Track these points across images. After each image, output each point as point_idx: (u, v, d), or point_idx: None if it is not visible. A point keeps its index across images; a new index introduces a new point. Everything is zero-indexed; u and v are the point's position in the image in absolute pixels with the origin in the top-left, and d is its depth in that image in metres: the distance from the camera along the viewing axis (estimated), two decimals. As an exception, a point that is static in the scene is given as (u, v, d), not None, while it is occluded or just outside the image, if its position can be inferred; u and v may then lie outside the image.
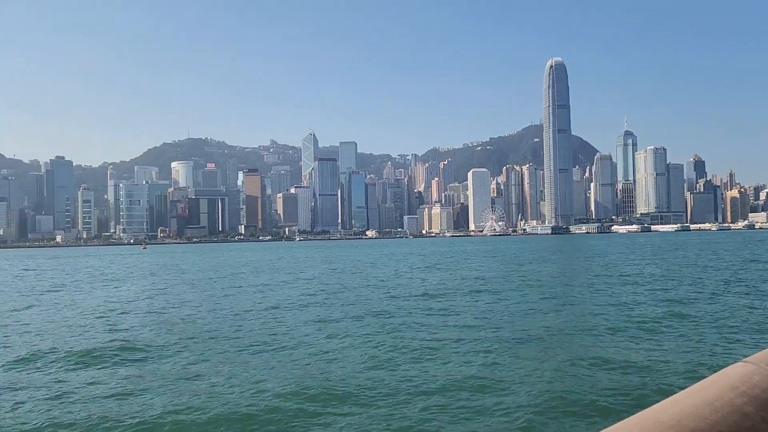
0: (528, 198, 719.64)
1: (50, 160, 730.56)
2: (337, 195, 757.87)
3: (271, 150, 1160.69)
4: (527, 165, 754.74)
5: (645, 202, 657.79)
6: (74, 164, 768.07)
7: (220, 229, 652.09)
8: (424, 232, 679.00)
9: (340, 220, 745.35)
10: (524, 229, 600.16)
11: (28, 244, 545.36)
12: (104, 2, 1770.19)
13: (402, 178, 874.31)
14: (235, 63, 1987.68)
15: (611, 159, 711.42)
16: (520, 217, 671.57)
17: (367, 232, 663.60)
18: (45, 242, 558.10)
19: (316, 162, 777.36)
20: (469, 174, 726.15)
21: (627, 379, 18.27)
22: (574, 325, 28.73)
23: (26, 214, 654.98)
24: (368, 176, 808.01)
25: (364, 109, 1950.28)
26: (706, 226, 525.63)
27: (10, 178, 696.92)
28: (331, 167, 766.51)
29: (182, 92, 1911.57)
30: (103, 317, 36.07)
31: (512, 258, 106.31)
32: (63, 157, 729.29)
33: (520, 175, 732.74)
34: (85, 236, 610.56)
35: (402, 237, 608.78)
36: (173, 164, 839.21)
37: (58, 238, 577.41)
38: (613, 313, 32.50)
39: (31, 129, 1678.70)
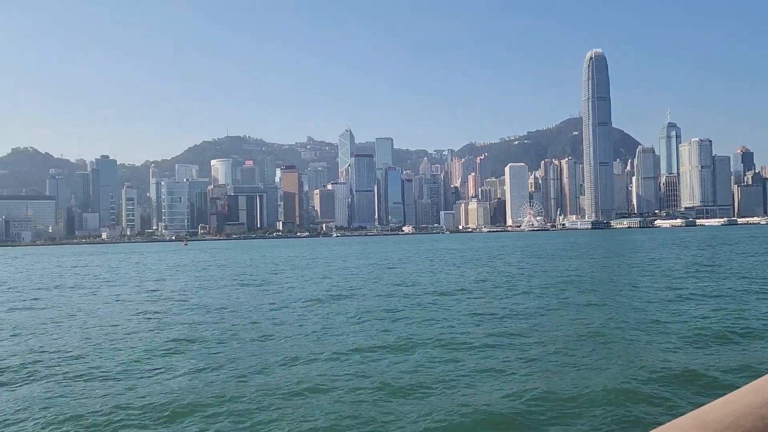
0: (567, 192, 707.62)
1: (95, 159, 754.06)
2: (373, 191, 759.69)
3: (308, 147, 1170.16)
4: (566, 159, 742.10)
5: (690, 195, 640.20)
6: (118, 163, 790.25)
7: (258, 226, 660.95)
8: (460, 227, 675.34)
9: (376, 216, 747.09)
10: (563, 224, 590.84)
11: (75, 240, 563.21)
12: (137, 2, 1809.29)
13: (438, 173, 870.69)
14: (272, 61, 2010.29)
15: (654, 152, 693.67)
16: (558, 212, 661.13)
17: (403, 228, 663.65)
18: (91, 239, 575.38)
19: (353, 158, 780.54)
20: (506, 169, 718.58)
21: (677, 379, 17.82)
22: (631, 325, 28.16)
23: (73, 212, 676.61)
24: (404, 172, 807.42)
25: (400, 105, 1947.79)
26: (755, 219, 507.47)
27: (58, 177, 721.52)
28: (368, 163, 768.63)
29: (221, 91, 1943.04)
30: (165, 310, 37.06)
31: (553, 253, 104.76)
32: (107, 157, 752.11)
33: (558, 169, 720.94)
34: (128, 233, 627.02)
35: (438, 232, 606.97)
36: (213, 162, 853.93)
37: (104, 235, 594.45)
38: (670, 313, 31.70)
39: (78, 130, 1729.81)
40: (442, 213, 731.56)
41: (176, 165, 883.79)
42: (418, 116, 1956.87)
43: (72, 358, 23.21)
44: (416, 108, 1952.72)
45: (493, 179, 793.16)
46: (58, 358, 23.40)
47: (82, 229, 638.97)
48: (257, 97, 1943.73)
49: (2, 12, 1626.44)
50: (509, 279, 54.24)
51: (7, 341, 27.90)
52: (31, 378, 20.21)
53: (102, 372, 20.76)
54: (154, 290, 53.74)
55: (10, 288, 61.85)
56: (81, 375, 20.39)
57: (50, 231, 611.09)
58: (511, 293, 42.18)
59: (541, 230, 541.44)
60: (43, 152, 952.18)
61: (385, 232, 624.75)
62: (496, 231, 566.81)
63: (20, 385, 19.31)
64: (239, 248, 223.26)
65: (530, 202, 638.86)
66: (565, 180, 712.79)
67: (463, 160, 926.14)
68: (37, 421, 15.63)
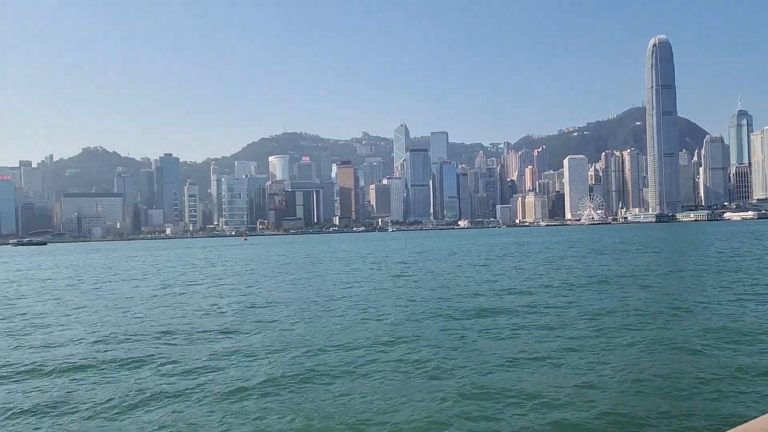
0: (629, 185, 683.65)
1: (159, 157, 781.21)
2: (428, 185, 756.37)
3: (363, 142, 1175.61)
4: (628, 150, 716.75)
5: (762, 186, 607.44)
6: (180, 161, 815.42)
7: (315, 221, 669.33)
8: (517, 221, 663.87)
9: (432, 210, 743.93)
10: (625, 218, 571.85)
11: (141, 236, 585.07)
12: (201, 3, 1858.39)
13: (494, 167, 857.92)
14: (327, 57, 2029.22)
15: (723, 141, 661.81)
16: (620, 205, 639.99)
17: (459, 222, 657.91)
18: (156, 234, 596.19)
19: (408, 153, 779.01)
20: (565, 161, 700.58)
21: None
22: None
23: (139, 208, 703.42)
24: (460, 166, 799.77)
25: (455, 99, 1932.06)
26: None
27: (124, 175, 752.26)
28: (423, 158, 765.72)
29: (277, 88, 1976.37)
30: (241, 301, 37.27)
31: (620, 248, 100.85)
32: (170, 155, 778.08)
33: (620, 161, 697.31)
34: (191, 228, 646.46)
35: (494, 226, 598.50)
36: (270, 158, 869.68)
37: (168, 231, 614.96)
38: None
39: (143, 130, 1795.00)
40: (498, 207, 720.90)
41: (236, 162, 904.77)
42: (473, 110, 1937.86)
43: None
44: (471, 102, 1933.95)
45: (551, 172, 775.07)
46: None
47: (148, 225, 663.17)
48: (313, 94, 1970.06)
49: (77, 16, 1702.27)
50: (580, 276, 52.08)
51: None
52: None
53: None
54: (301, 281, 54.35)
55: (189, 280, 63.80)
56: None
57: (118, 227, 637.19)
58: (588, 290, 40.29)
59: (602, 224, 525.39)
60: (111, 151, 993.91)
61: (440, 227, 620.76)
62: (555, 225, 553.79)
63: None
64: (306, 242, 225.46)
65: (590, 195, 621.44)
66: (627, 172, 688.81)
67: (520, 153, 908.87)
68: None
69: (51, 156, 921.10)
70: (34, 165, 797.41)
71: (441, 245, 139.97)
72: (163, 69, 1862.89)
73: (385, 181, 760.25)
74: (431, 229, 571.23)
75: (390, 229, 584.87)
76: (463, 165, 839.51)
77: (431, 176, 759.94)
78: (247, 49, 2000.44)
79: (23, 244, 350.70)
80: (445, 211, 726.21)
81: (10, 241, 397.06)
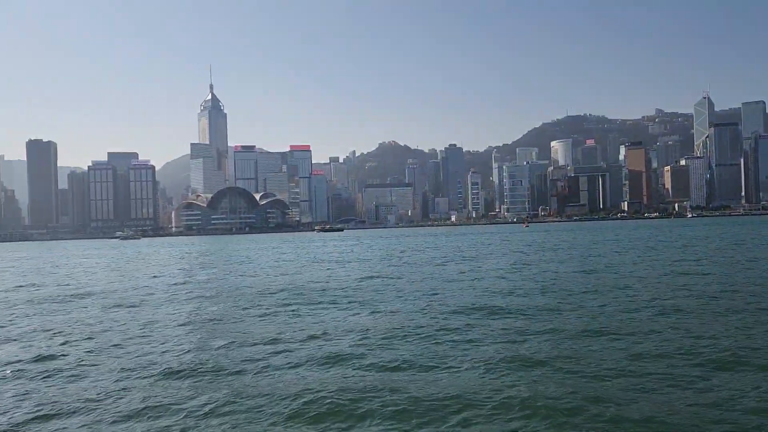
0: None
1: (444, 148, 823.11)
2: (739, 164, 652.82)
3: (657, 120, 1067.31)
4: None
5: None
6: (464, 150, 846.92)
7: (600, 207, 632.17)
8: None
9: (743, 194, 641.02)
10: None
11: (429, 223, 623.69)
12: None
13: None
14: (611, 33, 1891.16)
15: None
16: None
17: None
18: (442, 222, 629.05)
19: (712, 128, 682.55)
20: None
21: None
22: None
23: (427, 197, 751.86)
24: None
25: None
26: None
27: (414, 166, 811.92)
28: (731, 133, 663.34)
29: (561, 71, 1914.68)
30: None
31: None
32: (455, 145, 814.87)
33: None
34: (474, 215, 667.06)
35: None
36: (552, 143, 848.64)
37: (453, 218, 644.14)
38: None
39: (430, 122, 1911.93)
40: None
41: (517, 149, 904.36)
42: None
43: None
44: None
45: None
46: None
47: (434, 212, 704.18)
48: (599, 75, 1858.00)
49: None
50: None
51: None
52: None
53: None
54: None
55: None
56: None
57: (409, 214, 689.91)
58: None
59: None
60: (402, 145, 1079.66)
61: (754, 212, 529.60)
62: None
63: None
64: (595, 230, 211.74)
65: None
66: None
67: None
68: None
69: (354, 151, 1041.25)
70: (340, 160, 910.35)
71: None
72: (446, 66, 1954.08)
73: (682, 162, 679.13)
74: (742, 215, 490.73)
75: (689, 215, 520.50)
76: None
77: (743, 154, 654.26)
78: (531, 33, 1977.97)
79: (325, 231, 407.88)
80: (760, 194, 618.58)
81: (315, 228, 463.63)
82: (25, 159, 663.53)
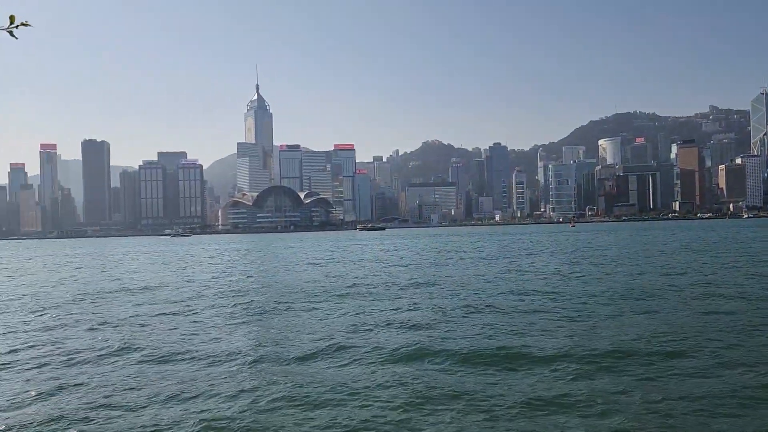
0: None
1: (489, 147, 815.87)
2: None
3: (711, 117, 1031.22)
4: None
5: None
6: (509, 149, 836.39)
7: (650, 207, 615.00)
8: None
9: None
10: None
11: (473, 222, 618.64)
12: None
13: None
14: (662, 27, 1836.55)
15: None
16: None
17: None
18: (486, 221, 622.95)
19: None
20: None
21: None
22: None
23: (471, 196, 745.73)
24: None
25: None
26: None
27: (457, 165, 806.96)
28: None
29: (607, 69, 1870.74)
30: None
31: None
32: (499, 144, 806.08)
33: None
34: (518, 215, 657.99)
35: None
36: (600, 142, 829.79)
37: (497, 217, 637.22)
38: None
39: (472, 122, 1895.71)
40: None
41: (563, 147, 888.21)
42: None
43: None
44: None
45: None
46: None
47: (478, 212, 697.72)
48: (648, 70, 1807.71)
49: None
50: None
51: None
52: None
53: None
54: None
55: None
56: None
57: (452, 213, 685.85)
58: None
59: None
60: (446, 143, 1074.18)
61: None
62: None
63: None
64: (645, 230, 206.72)
65: None
66: None
67: None
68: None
69: (397, 150, 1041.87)
70: (384, 159, 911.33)
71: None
72: (480, 66, 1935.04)
73: (738, 161, 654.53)
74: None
75: (745, 216, 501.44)
76: None
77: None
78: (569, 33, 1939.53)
79: (367, 229, 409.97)
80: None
81: (358, 227, 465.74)
82: (80, 158, 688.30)
